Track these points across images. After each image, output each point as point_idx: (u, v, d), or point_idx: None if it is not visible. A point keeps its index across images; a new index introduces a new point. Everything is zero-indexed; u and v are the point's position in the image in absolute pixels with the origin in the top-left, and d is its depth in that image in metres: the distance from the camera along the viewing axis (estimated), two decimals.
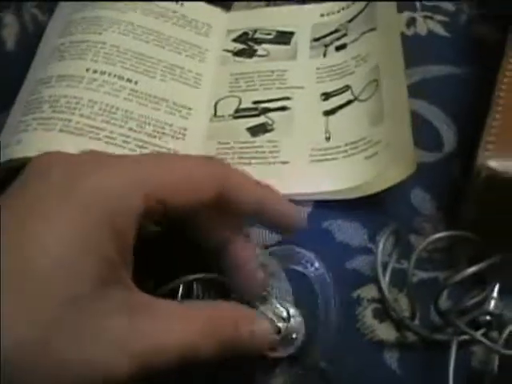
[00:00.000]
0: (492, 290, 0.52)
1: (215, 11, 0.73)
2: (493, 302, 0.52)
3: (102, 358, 0.35)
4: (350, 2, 0.71)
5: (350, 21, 0.69)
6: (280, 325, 0.46)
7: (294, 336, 0.47)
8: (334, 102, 0.62)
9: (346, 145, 0.59)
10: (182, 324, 0.38)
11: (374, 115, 0.59)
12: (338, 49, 0.67)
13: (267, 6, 0.75)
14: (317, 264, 0.52)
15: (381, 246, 0.53)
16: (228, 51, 0.69)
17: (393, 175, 0.54)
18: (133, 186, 0.40)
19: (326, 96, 0.63)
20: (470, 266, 0.52)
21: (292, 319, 0.47)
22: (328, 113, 0.62)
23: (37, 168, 0.40)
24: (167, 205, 0.41)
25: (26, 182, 0.39)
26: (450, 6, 0.74)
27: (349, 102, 0.62)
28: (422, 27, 0.72)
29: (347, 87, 0.63)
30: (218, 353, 0.39)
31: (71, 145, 0.54)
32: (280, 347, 0.47)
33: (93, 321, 0.35)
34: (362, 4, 0.69)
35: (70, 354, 0.34)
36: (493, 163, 0.50)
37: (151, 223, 0.44)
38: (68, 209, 0.37)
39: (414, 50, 0.68)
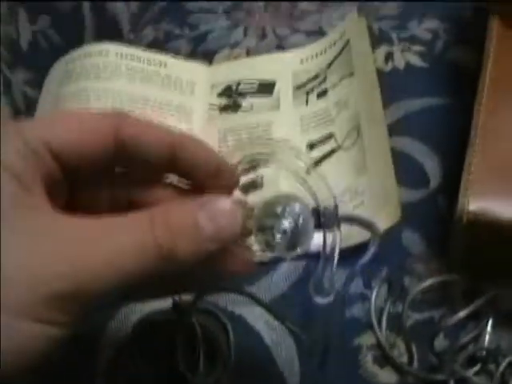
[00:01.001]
0: (486, 325, 0.54)
1: (197, 67, 0.75)
2: (487, 337, 0.54)
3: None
4: (327, 46, 0.73)
5: (329, 66, 0.71)
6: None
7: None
8: (319, 152, 0.64)
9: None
10: (126, 229, 0.36)
11: (358, 165, 0.61)
12: (319, 95, 0.69)
13: (248, 55, 0.77)
14: None
15: (374, 294, 0.56)
16: (214, 107, 0.71)
17: (379, 224, 0.56)
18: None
19: (312, 146, 0.65)
20: (463, 302, 0.54)
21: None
22: (314, 164, 0.63)
23: None
24: (55, 150, 0.38)
25: None
26: (426, 34, 0.76)
27: (333, 151, 0.64)
28: (399, 61, 0.73)
29: (331, 135, 0.65)
30: (185, 251, 0.37)
31: None
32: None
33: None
34: (339, 48, 0.71)
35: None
36: (473, 207, 0.52)
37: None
38: None
39: (394, 85, 0.70)
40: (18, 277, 0.33)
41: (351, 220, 0.49)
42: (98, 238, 0.35)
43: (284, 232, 0.42)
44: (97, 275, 0.34)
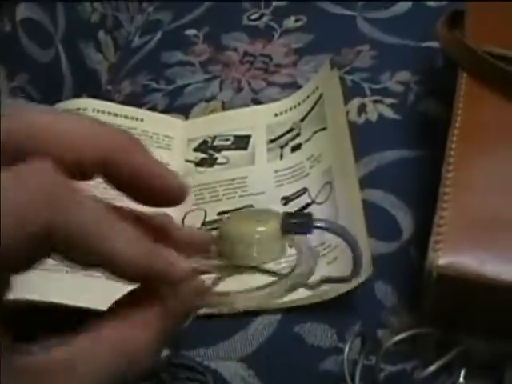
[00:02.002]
0: (458, 376, 0.55)
1: (174, 122, 0.77)
2: None
3: None
4: (301, 100, 0.74)
5: (302, 120, 0.73)
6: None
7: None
8: (293, 206, 0.65)
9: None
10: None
11: (331, 219, 0.62)
12: (293, 149, 0.71)
13: (224, 108, 0.78)
14: None
15: (347, 348, 0.56)
16: (190, 162, 0.72)
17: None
18: None
19: (286, 200, 0.66)
20: (435, 354, 0.55)
21: None
22: None
23: None
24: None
25: None
26: (397, 87, 0.78)
27: (307, 205, 0.65)
28: (372, 113, 0.75)
29: (304, 190, 0.66)
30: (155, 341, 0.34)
31: None
32: None
33: None
34: (312, 102, 0.73)
35: None
36: (442, 261, 0.53)
37: None
38: None
39: (367, 137, 0.72)
40: None
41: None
42: None
43: None
44: None
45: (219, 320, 0.59)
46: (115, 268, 0.33)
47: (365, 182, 0.67)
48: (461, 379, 0.55)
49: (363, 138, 0.70)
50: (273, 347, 0.58)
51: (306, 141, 0.70)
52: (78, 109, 0.73)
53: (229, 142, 0.73)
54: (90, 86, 0.88)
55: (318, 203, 0.64)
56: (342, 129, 0.67)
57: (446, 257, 0.53)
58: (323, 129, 0.69)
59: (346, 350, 0.56)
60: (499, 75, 0.64)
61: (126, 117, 0.74)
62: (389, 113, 0.74)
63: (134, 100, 0.82)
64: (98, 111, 0.74)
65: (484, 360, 0.56)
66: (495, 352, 0.56)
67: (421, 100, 0.76)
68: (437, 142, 0.63)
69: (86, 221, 0.31)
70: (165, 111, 0.80)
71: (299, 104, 0.74)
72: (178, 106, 0.80)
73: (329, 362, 0.57)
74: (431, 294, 0.55)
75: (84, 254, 0.32)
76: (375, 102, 0.76)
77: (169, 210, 0.65)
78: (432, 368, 0.53)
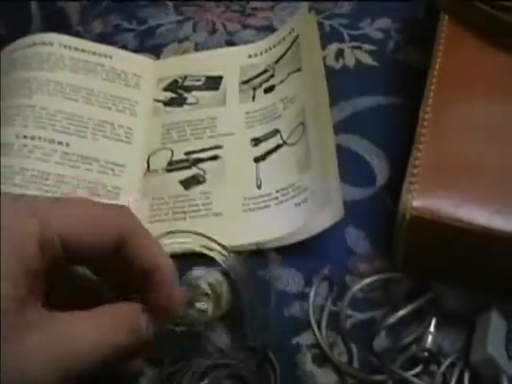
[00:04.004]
0: (429, 325, 0.53)
1: (144, 61, 0.74)
2: (430, 337, 0.53)
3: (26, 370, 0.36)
4: (276, 42, 0.72)
5: (277, 61, 0.70)
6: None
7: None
8: (263, 148, 0.63)
9: (277, 191, 0.59)
10: (91, 325, 0.39)
11: (302, 161, 0.60)
12: (266, 91, 0.68)
13: (196, 50, 0.76)
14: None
15: (312, 292, 0.54)
16: (159, 101, 0.70)
17: (320, 222, 0.55)
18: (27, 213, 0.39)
19: (256, 142, 0.64)
20: (406, 302, 0.53)
21: None
22: (258, 159, 0.62)
23: None
24: (66, 240, 0.40)
25: None
26: (377, 34, 0.75)
27: (278, 147, 0.63)
28: (350, 59, 0.73)
29: (276, 131, 0.64)
30: (131, 340, 0.40)
31: None
32: None
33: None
34: (288, 43, 0.70)
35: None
36: (417, 203, 0.51)
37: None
38: None
39: (343, 83, 0.70)
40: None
41: None
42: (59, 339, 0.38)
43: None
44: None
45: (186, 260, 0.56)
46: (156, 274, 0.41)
47: (340, 127, 0.65)
48: (431, 328, 0.53)
49: (340, 84, 0.68)
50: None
51: (280, 82, 0.68)
52: (44, 43, 0.70)
53: (200, 83, 0.71)
54: (59, 26, 0.84)
55: (290, 144, 0.62)
56: (318, 70, 0.64)
57: (420, 199, 0.51)
58: (298, 70, 0.67)
59: (312, 294, 0.55)
60: (482, 18, 0.62)
61: (93, 53, 0.72)
62: (367, 59, 0.73)
63: (104, 40, 0.79)
64: (64, 46, 0.71)
65: (455, 309, 0.54)
66: (467, 301, 0.54)
67: (400, 48, 0.74)
68: (415, 91, 0.61)
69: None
70: (135, 51, 0.77)
71: (274, 46, 0.72)
72: (149, 46, 0.78)
73: (294, 307, 0.55)
74: (404, 238, 0.53)
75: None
76: (354, 48, 0.74)
77: (135, 149, 0.63)
78: (401, 313, 0.51)
